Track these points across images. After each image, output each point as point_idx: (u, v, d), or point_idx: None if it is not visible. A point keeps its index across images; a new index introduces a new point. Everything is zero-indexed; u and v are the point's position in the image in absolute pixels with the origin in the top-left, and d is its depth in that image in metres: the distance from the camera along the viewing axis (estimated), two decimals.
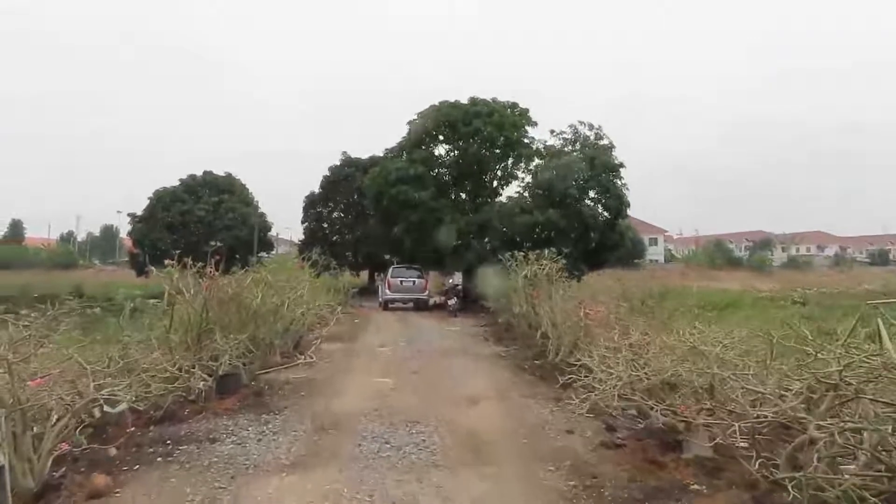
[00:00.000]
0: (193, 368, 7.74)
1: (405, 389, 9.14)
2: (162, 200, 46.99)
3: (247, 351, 9.01)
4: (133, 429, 6.83)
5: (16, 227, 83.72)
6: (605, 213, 29.00)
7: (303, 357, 11.69)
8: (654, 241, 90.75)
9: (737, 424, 4.14)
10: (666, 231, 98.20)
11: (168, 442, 6.43)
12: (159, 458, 5.92)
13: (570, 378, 6.41)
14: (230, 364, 8.20)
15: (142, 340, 7.85)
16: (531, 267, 13.54)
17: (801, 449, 3.96)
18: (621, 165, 28.98)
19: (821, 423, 3.70)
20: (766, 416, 4.25)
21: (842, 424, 3.57)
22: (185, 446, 6.29)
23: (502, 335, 16.20)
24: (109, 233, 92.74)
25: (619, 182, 28.97)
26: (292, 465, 5.76)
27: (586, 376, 6.84)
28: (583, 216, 28.03)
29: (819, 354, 4.21)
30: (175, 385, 7.14)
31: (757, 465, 4.26)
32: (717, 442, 5.20)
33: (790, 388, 4.39)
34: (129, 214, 47.71)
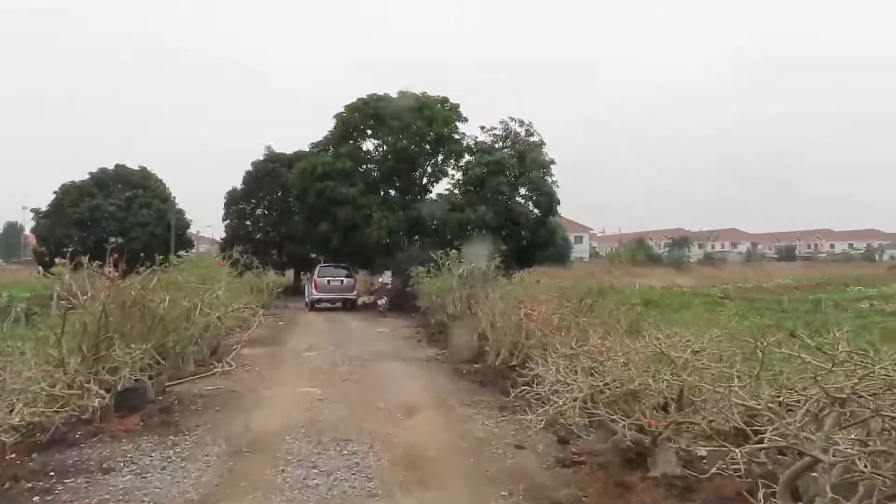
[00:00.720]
0: (88, 383, 6.68)
1: (335, 399, 8.30)
2: (69, 195, 43.86)
3: (154, 361, 7.96)
4: (13, 456, 5.75)
5: None
6: (536, 211, 28.79)
7: (220, 365, 10.66)
8: (579, 239, 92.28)
9: (737, 451, 3.55)
10: (591, 229, 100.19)
11: (51, 473, 5.40)
12: (36, 497, 4.90)
13: (522, 390, 5.73)
14: (132, 377, 7.15)
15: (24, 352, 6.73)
16: (467, 265, 12.88)
17: (802, 475, 3.41)
18: (552, 162, 28.84)
19: (834, 445, 3.14)
20: (760, 435, 3.66)
21: (863, 447, 3.02)
22: (72, 479, 5.28)
23: (436, 337, 15.52)
24: (13, 229, 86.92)
25: (549, 179, 28.82)
26: (201, 502, 4.86)
27: (535, 385, 6.18)
28: (514, 214, 27.71)
29: (809, 362, 3.68)
30: (62, 406, 6.04)
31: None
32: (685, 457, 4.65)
33: (787, 401, 3.85)
34: (31, 210, 44.36)
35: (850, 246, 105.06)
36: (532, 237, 28.20)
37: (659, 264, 71.09)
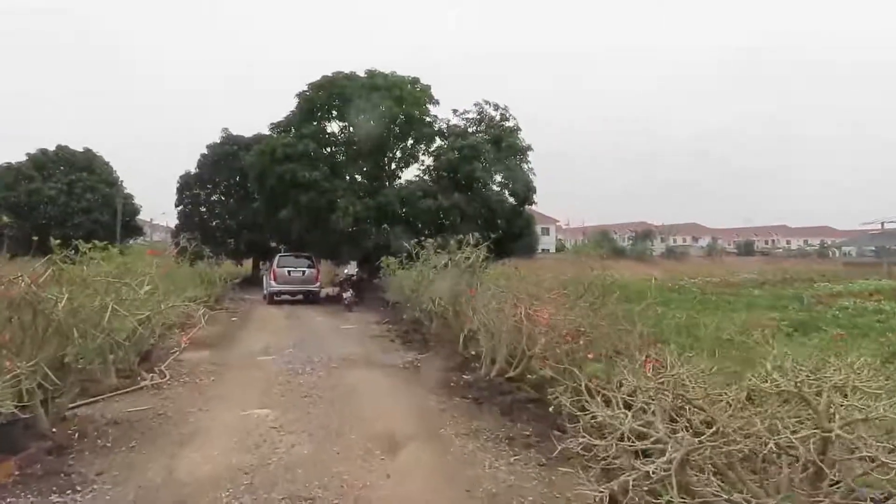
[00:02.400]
0: None
1: (293, 427, 6.37)
2: (4, 178, 40.75)
3: (46, 380, 5.95)
4: None
5: None
6: (512, 200, 27.18)
7: (149, 377, 8.65)
8: (546, 231, 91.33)
9: None
10: (558, 221, 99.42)
11: None
12: None
13: (581, 440, 3.84)
14: (10, 405, 5.15)
15: None
16: (454, 255, 11.04)
17: None
18: (529, 148, 27.23)
19: None
20: None
21: None
22: None
23: (411, 336, 13.62)
24: None
25: (526, 166, 27.22)
26: None
27: (578, 424, 4.39)
28: (489, 202, 26.04)
29: None
30: None
31: None
32: None
33: None
34: None
35: (805, 242, 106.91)
36: (507, 227, 26.57)
37: (623, 257, 70.57)
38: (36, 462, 5.12)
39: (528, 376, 8.12)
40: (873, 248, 73.75)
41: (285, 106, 28.16)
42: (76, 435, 5.90)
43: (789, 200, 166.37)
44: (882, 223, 64.54)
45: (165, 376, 8.87)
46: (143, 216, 49.10)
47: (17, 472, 4.91)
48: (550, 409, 6.44)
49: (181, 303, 12.28)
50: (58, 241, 6.15)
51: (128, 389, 7.96)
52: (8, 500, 4.45)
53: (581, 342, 6.96)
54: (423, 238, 15.59)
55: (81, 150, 44.01)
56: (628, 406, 3.81)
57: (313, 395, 7.82)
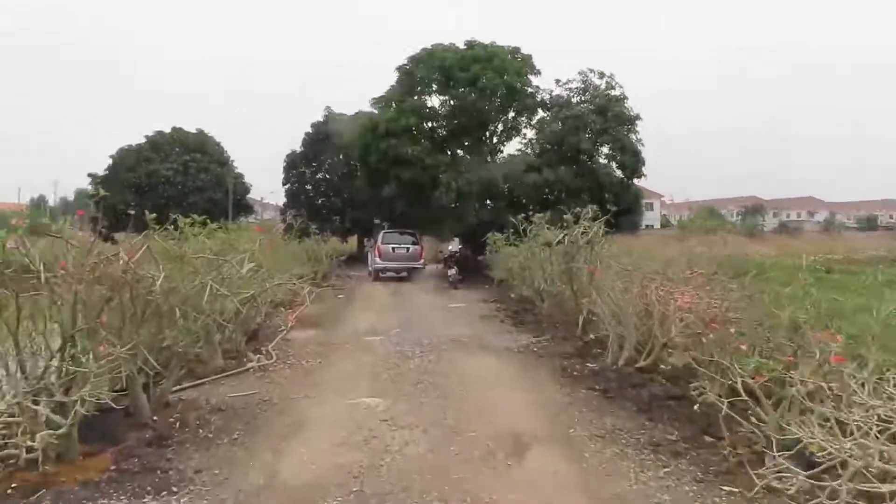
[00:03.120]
0: (37, 405, 4.38)
1: (405, 420, 5.74)
2: (126, 160, 42.92)
3: (146, 364, 5.61)
4: None
5: None
6: (620, 172, 25.66)
7: (256, 357, 8.32)
8: (649, 206, 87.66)
9: None
10: (662, 196, 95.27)
11: None
12: None
13: (774, 466, 2.92)
14: (99, 396, 4.78)
15: None
16: (571, 230, 10.09)
17: None
18: (637, 118, 25.50)
19: None
20: None
21: None
22: None
23: (522, 316, 12.80)
24: (83, 196, 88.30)
25: (634, 137, 25.55)
26: None
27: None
28: (596, 175, 24.66)
29: None
30: None
31: None
32: None
33: None
34: (89, 175, 43.62)
35: None
36: (615, 201, 25.05)
37: (732, 233, 66.51)
38: (133, 455, 4.72)
39: (662, 367, 7.15)
40: None
41: (388, 81, 27.65)
42: (177, 424, 5.51)
43: None
44: None
45: (272, 357, 8.53)
46: (254, 195, 50.79)
47: (112, 468, 4.52)
48: (696, 408, 5.55)
49: (287, 281, 12.09)
50: (153, 216, 5.74)
51: (233, 371, 7.62)
52: (99, 501, 4.04)
53: (730, 329, 5.93)
54: (529, 213, 14.70)
55: (194, 131, 45.74)
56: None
57: (425, 383, 7.18)
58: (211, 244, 7.33)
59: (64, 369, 4.83)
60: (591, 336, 9.67)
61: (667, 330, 6.86)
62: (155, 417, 5.54)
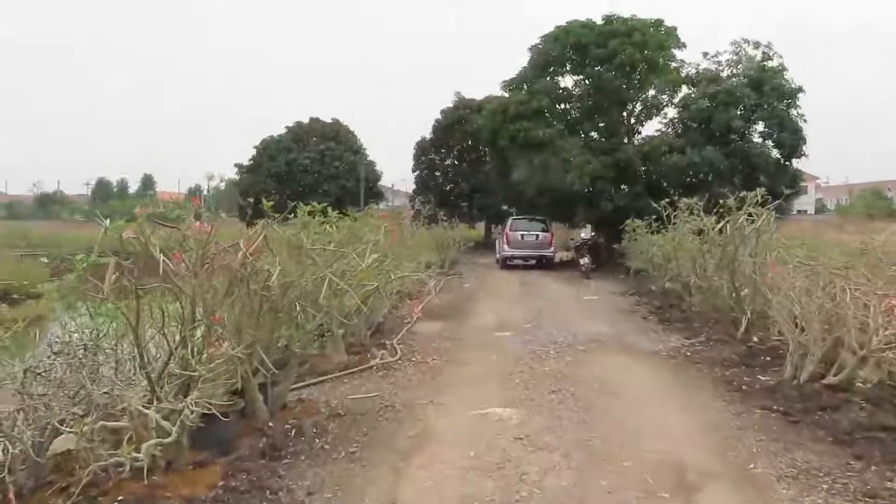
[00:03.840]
0: (151, 409, 4.03)
1: (543, 440, 4.95)
2: (268, 149, 44.98)
3: (263, 364, 5.21)
4: None
5: (147, 182, 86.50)
6: (777, 152, 23.23)
7: (380, 354, 7.83)
8: (802, 190, 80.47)
9: None
10: (817, 178, 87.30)
11: None
12: None
13: None
14: (211, 400, 4.38)
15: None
16: (735, 217, 8.79)
17: None
18: (799, 90, 22.89)
19: None
20: None
21: None
22: None
23: (667, 313, 11.55)
24: (233, 185, 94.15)
25: (795, 112, 22.99)
26: None
27: None
28: (749, 155, 22.43)
29: None
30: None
31: None
32: None
33: None
34: (235, 165, 46.16)
35: None
36: (771, 184, 22.68)
37: None
38: (244, 470, 4.28)
39: (859, 384, 5.89)
40: None
41: (521, 63, 26.73)
42: (293, 431, 5.04)
43: None
44: None
45: (396, 353, 8.03)
46: (385, 182, 51.70)
47: (221, 483, 4.09)
48: None
49: (413, 272, 11.64)
50: (270, 203, 5.30)
51: (356, 369, 7.17)
52: None
53: None
54: (675, 198, 13.35)
55: (330, 120, 47.06)
56: None
57: (563, 391, 6.35)
58: (333, 234, 6.85)
59: (177, 371, 4.50)
60: (755, 339, 8.43)
61: (864, 339, 5.60)
62: (271, 423, 5.11)
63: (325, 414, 5.61)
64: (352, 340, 8.23)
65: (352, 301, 6.04)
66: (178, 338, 4.66)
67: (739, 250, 8.57)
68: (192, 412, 4.19)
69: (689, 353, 8.18)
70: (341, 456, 4.70)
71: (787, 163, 23.43)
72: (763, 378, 6.63)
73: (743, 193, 8.78)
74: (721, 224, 9.43)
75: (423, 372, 7.30)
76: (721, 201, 9.86)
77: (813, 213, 76.36)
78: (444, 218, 21.05)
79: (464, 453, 4.70)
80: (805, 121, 22.96)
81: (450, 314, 11.65)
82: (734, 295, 8.89)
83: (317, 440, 4.96)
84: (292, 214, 5.98)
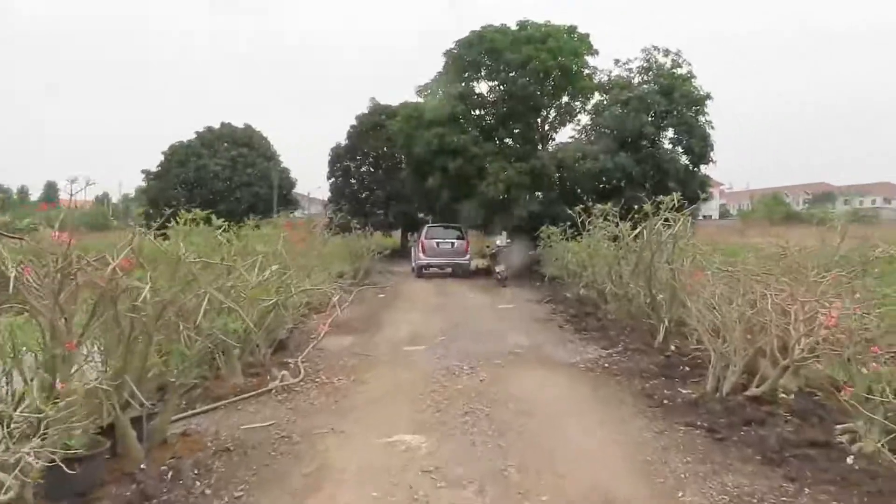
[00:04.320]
0: None
1: (455, 472, 4.46)
2: (177, 155, 42.93)
3: (155, 390, 4.53)
4: None
5: (50, 189, 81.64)
6: (685, 158, 23.89)
7: (280, 375, 7.16)
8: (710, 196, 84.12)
9: None
10: (721, 184, 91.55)
11: None
12: None
13: None
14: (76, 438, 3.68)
15: None
16: (650, 222, 8.62)
17: None
18: (707, 97, 23.63)
19: None
20: None
21: None
22: None
23: (583, 321, 11.36)
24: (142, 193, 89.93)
25: (703, 119, 23.72)
26: None
27: None
28: (660, 161, 22.94)
29: None
30: None
31: None
32: None
33: None
34: (142, 171, 43.77)
35: None
36: (681, 190, 23.21)
37: (798, 223, 63.04)
38: None
39: (783, 396, 5.73)
40: None
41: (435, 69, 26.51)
42: (170, 474, 4.36)
43: None
44: None
45: (299, 373, 7.38)
46: (301, 190, 50.45)
47: None
48: (851, 462, 4.18)
49: (322, 282, 11.03)
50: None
51: (252, 393, 6.49)
52: None
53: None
54: (590, 204, 13.28)
55: (242, 126, 45.40)
56: None
57: (477, 412, 5.90)
58: (224, 246, 6.16)
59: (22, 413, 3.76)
60: (673, 348, 8.30)
61: (785, 349, 5.44)
62: (144, 465, 4.41)
63: (212, 449, 4.93)
64: (251, 360, 7.53)
65: (237, 322, 5.40)
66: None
67: (656, 256, 8.40)
68: (35, 462, 3.49)
69: (607, 365, 7.92)
70: (224, 502, 4.06)
71: (695, 169, 24.13)
72: (684, 391, 6.40)
73: (660, 198, 8.61)
74: (638, 230, 9.30)
75: (327, 394, 6.69)
76: (636, 207, 9.78)
77: (717, 218, 79.99)
78: (358, 226, 20.37)
79: (365, 493, 4.16)
80: (713, 127, 23.77)
81: (361, 327, 11.05)
82: (651, 302, 8.73)
83: (197, 483, 4.29)
84: (171, 222, 5.30)
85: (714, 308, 6.14)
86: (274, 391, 6.63)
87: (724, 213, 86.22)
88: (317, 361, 8.16)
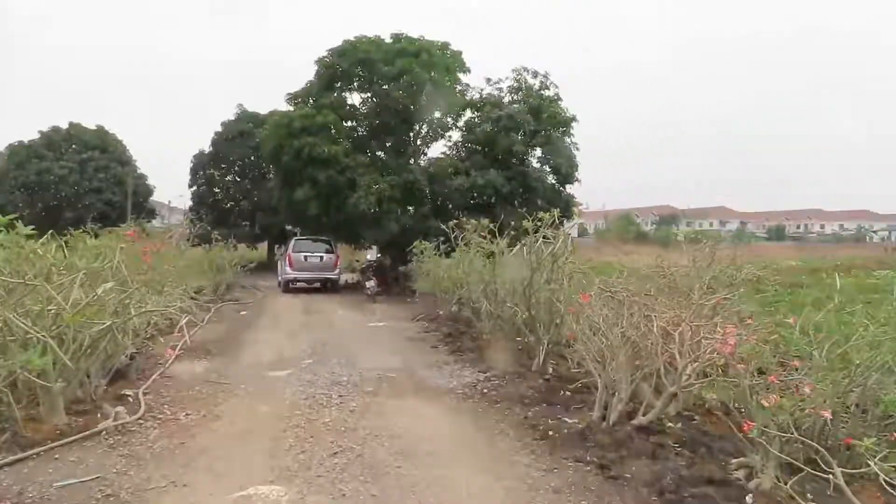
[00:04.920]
0: None
1: None
2: (16, 156, 38.82)
3: None
4: None
5: None
6: (553, 178, 24.48)
7: (114, 412, 6.13)
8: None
9: None
10: (580, 204, 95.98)
11: None
12: None
13: None
14: None
15: None
16: (530, 239, 8.31)
17: None
18: (573, 119, 24.36)
19: None
20: None
21: None
22: None
23: (458, 341, 10.97)
24: None
25: (569, 140, 24.44)
26: None
27: None
28: (529, 179, 23.35)
29: None
30: None
31: None
32: None
33: None
34: None
35: (841, 227, 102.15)
36: (548, 208, 23.50)
37: (646, 242, 67.18)
38: None
39: (669, 425, 5.53)
40: None
41: (306, 77, 25.56)
42: None
43: (823, 184, 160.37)
44: None
45: (140, 408, 6.37)
46: (161, 198, 47.35)
47: None
48: (751, 501, 3.97)
49: (175, 299, 9.98)
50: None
51: (74, 438, 5.42)
52: None
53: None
54: (462, 219, 13.01)
55: (94, 127, 41.80)
56: None
57: (347, 452, 5.20)
58: (35, 259, 5.14)
59: None
60: (551, 370, 8.06)
61: (679, 375, 5.23)
62: None
63: None
64: (80, 394, 6.43)
65: (45, 357, 4.45)
66: None
67: (535, 275, 8.13)
68: None
69: (485, 390, 7.46)
70: None
71: (562, 188, 24.76)
72: (570, 420, 6.03)
73: (540, 214, 8.35)
74: (517, 247, 9.03)
75: (171, 434, 5.75)
76: (511, 223, 9.53)
77: (577, 236, 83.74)
78: (219, 238, 18.95)
79: None
80: (577, 149, 24.50)
81: (219, 350, 10.01)
82: (530, 322, 8.45)
83: None
84: None
85: (598, 331, 5.87)
86: (104, 433, 5.59)
87: (582, 232, 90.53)
88: (162, 392, 7.14)
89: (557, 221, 8.29)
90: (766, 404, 4.12)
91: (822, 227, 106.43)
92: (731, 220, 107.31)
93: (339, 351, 10.13)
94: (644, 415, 5.57)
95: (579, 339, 6.03)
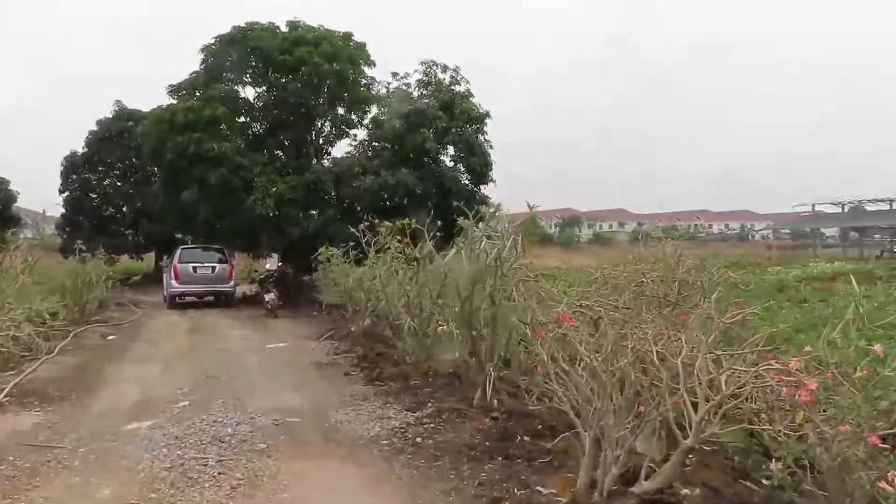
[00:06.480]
0: None
1: None
2: None
3: None
4: None
5: None
6: (467, 177, 22.99)
7: None
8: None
9: None
10: (497, 206, 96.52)
11: None
12: None
13: None
14: None
15: None
16: (468, 244, 6.55)
17: None
18: (486, 116, 22.99)
19: None
20: None
21: None
22: None
23: (375, 365, 9.06)
24: None
25: (482, 138, 23.02)
26: None
27: None
28: (442, 178, 21.73)
29: None
30: None
31: None
32: None
33: None
34: None
35: (726, 226, 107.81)
36: (465, 211, 21.92)
37: (551, 244, 67.61)
38: None
39: (685, 492, 3.90)
40: (787, 231, 74.78)
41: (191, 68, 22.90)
42: None
43: (710, 185, 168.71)
44: (813, 205, 64.43)
45: None
46: (32, 206, 42.45)
47: None
48: None
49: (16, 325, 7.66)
50: None
51: None
52: None
53: None
54: (374, 221, 11.15)
55: None
56: None
57: None
58: None
59: None
60: (496, 404, 6.31)
61: (699, 423, 3.60)
62: None
63: None
64: None
65: None
66: None
67: (477, 285, 6.36)
68: None
69: (419, 439, 5.55)
70: None
71: (476, 188, 23.32)
72: (545, 490, 4.28)
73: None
74: (453, 251, 7.24)
75: None
76: (440, 223, 7.80)
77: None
78: (83, 248, 16.03)
79: None
80: (491, 147, 23.14)
81: (62, 392, 7.62)
82: (472, 346, 6.67)
83: None
84: None
85: (581, 363, 4.16)
86: None
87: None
88: None
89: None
90: (885, 487, 2.57)
91: (711, 226, 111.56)
92: (629, 222, 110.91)
93: (226, 386, 8.01)
94: (647, 478, 3.91)
95: (552, 377, 4.26)
